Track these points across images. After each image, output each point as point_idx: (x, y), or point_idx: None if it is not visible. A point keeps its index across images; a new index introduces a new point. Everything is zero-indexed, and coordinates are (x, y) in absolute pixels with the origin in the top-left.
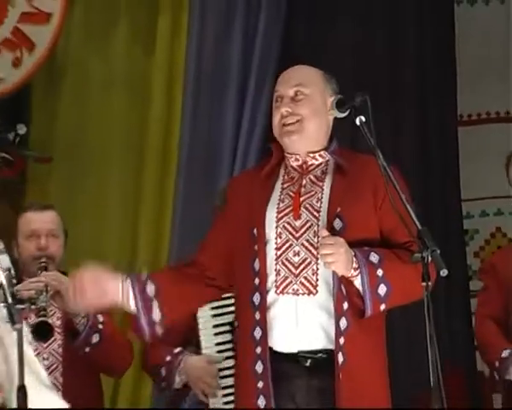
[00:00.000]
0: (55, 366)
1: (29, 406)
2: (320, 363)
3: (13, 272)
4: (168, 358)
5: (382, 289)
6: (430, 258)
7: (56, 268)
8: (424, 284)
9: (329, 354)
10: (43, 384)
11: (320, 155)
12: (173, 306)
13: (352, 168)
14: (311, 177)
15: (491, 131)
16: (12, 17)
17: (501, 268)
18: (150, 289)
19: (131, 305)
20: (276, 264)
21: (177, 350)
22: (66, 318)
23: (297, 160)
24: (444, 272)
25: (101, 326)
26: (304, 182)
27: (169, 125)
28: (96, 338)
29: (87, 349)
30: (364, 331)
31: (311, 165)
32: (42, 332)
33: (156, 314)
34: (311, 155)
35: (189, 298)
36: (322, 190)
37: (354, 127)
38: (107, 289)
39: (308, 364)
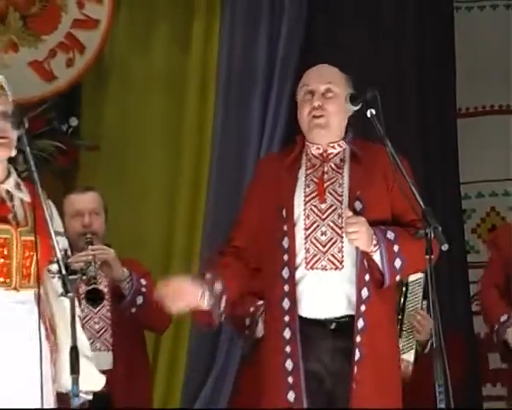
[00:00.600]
0: (104, 328)
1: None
2: (343, 327)
3: (69, 253)
4: (252, 309)
5: (398, 263)
6: (433, 234)
7: (100, 242)
8: (427, 257)
9: (351, 319)
10: (84, 355)
11: (338, 145)
12: (236, 298)
13: (365, 156)
14: (332, 164)
15: (487, 122)
16: (65, 23)
17: (502, 243)
18: (217, 287)
19: (206, 303)
20: (305, 243)
21: (260, 302)
22: (112, 284)
23: (318, 149)
24: (445, 247)
25: (144, 289)
26: (326, 169)
27: (203, 119)
28: (140, 300)
29: (133, 310)
30: (381, 300)
31: (331, 153)
32: (94, 298)
33: (222, 308)
34: (331, 144)
35: (246, 291)
36: (343, 176)
37: (366, 119)
38: (193, 294)
39: (333, 327)
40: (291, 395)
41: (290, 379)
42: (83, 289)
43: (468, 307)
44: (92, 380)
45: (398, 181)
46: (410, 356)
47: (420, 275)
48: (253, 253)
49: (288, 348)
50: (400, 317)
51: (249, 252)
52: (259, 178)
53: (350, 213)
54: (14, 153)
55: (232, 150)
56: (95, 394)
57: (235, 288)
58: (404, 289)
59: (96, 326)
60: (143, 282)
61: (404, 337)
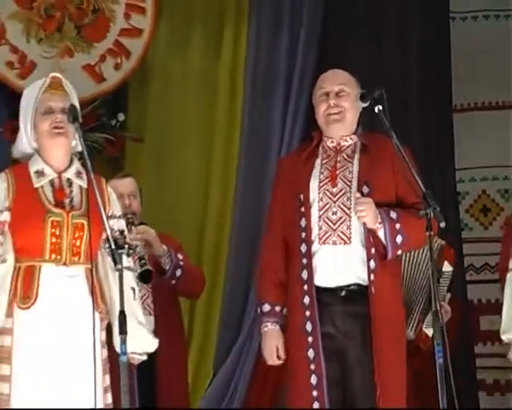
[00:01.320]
0: (146, 295)
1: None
2: (352, 294)
3: (126, 233)
4: None
5: (399, 239)
6: (432, 214)
7: (138, 220)
8: (427, 233)
9: (358, 287)
10: (138, 321)
11: (350, 138)
12: None
13: (372, 146)
14: (344, 155)
15: (478, 117)
16: (113, 32)
17: None
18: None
19: None
20: (318, 221)
21: None
22: (153, 260)
23: (332, 142)
24: (443, 224)
25: (181, 263)
26: (339, 158)
27: (232, 115)
28: (178, 272)
29: (173, 282)
30: (386, 271)
31: (343, 146)
32: (145, 278)
33: None
34: (344, 137)
35: None
36: (353, 164)
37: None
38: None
39: (343, 294)
40: (311, 353)
41: (310, 339)
42: (135, 267)
43: (463, 277)
44: (146, 342)
45: (401, 168)
46: (430, 332)
47: (450, 268)
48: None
49: (307, 313)
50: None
51: (282, 253)
52: (280, 176)
53: (359, 195)
54: (74, 144)
55: (258, 141)
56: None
57: None
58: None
59: (140, 294)
60: (180, 256)
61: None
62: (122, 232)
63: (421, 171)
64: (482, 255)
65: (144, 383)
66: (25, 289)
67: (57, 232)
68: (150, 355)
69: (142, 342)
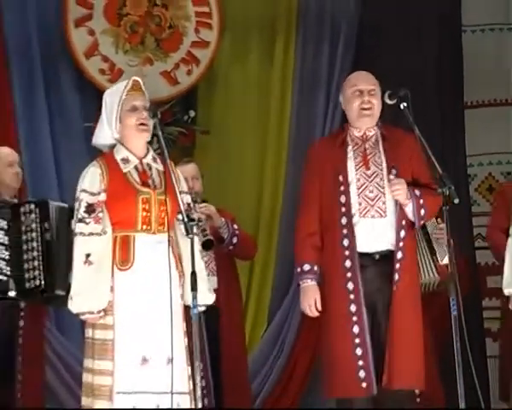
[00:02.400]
0: (210, 260)
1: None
2: (384, 257)
3: (192, 205)
4: None
5: (422, 212)
6: (448, 192)
7: (200, 198)
8: (444, 207)
9: (389, 252)
10: (202, 279)
11: (373, 129)
12: None
13: (391, 137)
14: (370, 143)
15: (486, 112)
16: (186, 44)
17: (508, 193)
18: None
19: None
20: (358, 198)
21: None
22: (213, 230)
23: (359, 132)
24: (456, 201)
25: (237, 232)
26: (367, 146)
27: (283, 115)
28: (235, 240)
29: (230, 248)
30: (410, 238)
31: (368, 135)
32: (208, 246)
33: None
34: (369, 128)
35: None
36: (379, 151)
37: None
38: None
39: (377, 258)
40: (353, 307)
41: (352, 296)
42: (200, 237)
43: (472, 244)
44: (206, 296)
45: (416, 155)
46: (446, 260)
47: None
48: (319, 219)
49: (349, 274)
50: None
51: (318, 223)
52: (315, 158)
53: (393, 177)
54: (149, 137)
55: (303, 136)
56: (208, 306)
57: None
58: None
59: (205, 258)
60: (235, 226)
61: (440, 248)
62: (189, 205)
63: (437, 156)
64: None
65: (210, 331)
66: (123, 255)
67: (147, 207)
68: (214, 308)
69: (203, 295)
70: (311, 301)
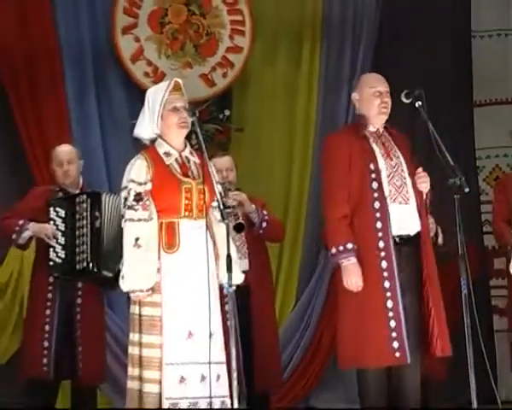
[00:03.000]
0: (242, 244)
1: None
2: (410, 240)
3: (223, 194)
4: None
5: (428, 201)
6: (459, 182)
7: (234, 187)
8: (456, 196)
9: (414, 234)
10: (235, 262)
11: (383, 126)
12: None
13: (394, 134)
14: (383, 138)
15: (492, 110)
16: (221, 49)
17: (508, 185)
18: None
19: None
20: (388, 185)
21: None
22: (245, 216)
23: (374, 128)
24: (467, 190)
25: (266, 217)
26: (383, 140)
27: (309, 111)
28: (264, 224)
29: (260, 231)
30: (426, 222)
31: (379, 131)
32: (239, 229)
33: None
34: (381, 125)
35: None
36: (393, 145)
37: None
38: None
39: (404, 240)
40: (387, 284)
41: (385, 273)
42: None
43: (481, 229)
44: (237, 276)
45: (436, 147)
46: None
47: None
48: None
49: (382, 254)
50: None
51: (348, 206)
52: (342, 146)
53: (420, 170)
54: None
55: (328, 129)
56: (239, 286)
57: None
58: None
59: (237, 243)
60: (265, 212)
61: None
62: (220, 194)
63: (449, 150)
64: None
65: (241, 309)
66: (169, 240)
67: (188, 196)
68: (246, 288)
69: (234, 275)
70: (357, 277)
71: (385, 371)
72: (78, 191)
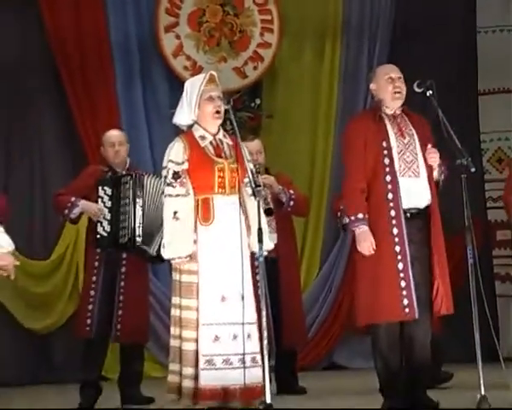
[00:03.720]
0: (271, 220)
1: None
2: (420, 211)
3: (254, 172)
4: None
5: (442, 176)
6: (466, 162)
7: (263, 169)
8: (463, 175)
9: (424, 208)
10: (264, 231)
11: (399, 109)
12: None
13: (412, 116)
14: (399, 119)
15: (494, 98)
16: (253, 45)
17: None
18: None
19: None
20: (398, 161)
21: None
22: (274, 196)
23: (391, 110)
24: (473, 169)
25: (293, 196)
26: (398, 121)
27: (331, 100)
28: (291, 203)
29: (288, 209)
30: (436, 196)
31: (396, 113)
32: (269, 212)
33: None
34: (398, 108)
35: None
36: (408, 124)
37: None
38: None
39: (414, 211)
40: (397, 248)
41: (396, 239)
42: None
43: (485, 204)
44: (268, 244)
45: (445, 132)
46: None
47: None
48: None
49: (394, 221)
50: None
51: (365, 180)
52: (360, 128)
53: (430, 146)
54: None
55: (346, 116)
56: (268, 256)
57: None
58: None
59: (267, 218)
60: (292, 191)
61: None
62: (252, 172)
63: (456, 134)
64: (497, 190)
65: (271, 278)
66: (204, 214)
67: (221, 174)
68: (274, 259)
69: (264, 243)
70: (368, 242)
71: (397, 330)
72: (124, 172)
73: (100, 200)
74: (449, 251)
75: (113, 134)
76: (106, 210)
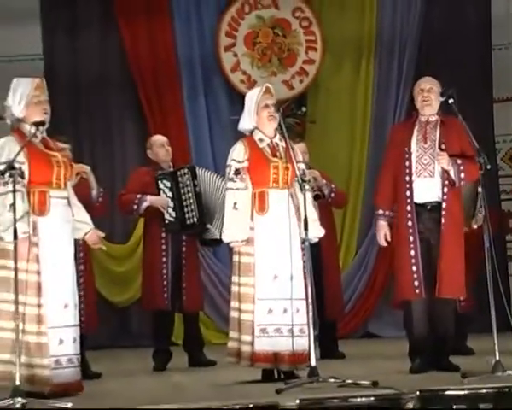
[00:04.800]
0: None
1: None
2: (434, 207)
3: (306, 171)
4: None
5: (462, 175)
6: (483, 160)
7: (308, 166)
8: (481, 172)
9: (437, 203)
10: (311, 218)
11: (433, 116)
12: None
13: (446, 122)
14: (430, 125)
15: (508, 105)
16: (299, 62)
17: None
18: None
19: None
20: (416, 163)
21: None
22: (317, 188)
23: (424, 118)
24: (489, 166)
25: (334, 189)
26: (428, 127)
27: (366, 107)
28: (332, 195)
29: (329, 200)
30: (453, 193)
31: (429, 120)
32: (317, 198)
33: None
34: (430, 115)
35: None
36: (436, 131)
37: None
38: None
39: (429, 207)
40: (411, 238)
41: (410, 230)
42: (311, 193)
43: (499, 196)
44: (317, 231)
45: (462, 136)
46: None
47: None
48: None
49: (409, 215)
50: None
51: (392, 181)
52: (393, 136)
53: (438, 151)
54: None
55: (380, 121)
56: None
57: None
58: None
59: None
60: (333, 186)
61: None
62: (303, 170)
63: (474, 136)
64: (510, 184)
65: (315, 259)
66: (260, 204)
67: (276, 171)
68: (317, 244)
69: (317, 231)
70: (381, 235)
71: (424, 306)
72: (170, 169)
73: (161, 192)
74: (469, 240)
75: (161, 137)
76: (168, 200)
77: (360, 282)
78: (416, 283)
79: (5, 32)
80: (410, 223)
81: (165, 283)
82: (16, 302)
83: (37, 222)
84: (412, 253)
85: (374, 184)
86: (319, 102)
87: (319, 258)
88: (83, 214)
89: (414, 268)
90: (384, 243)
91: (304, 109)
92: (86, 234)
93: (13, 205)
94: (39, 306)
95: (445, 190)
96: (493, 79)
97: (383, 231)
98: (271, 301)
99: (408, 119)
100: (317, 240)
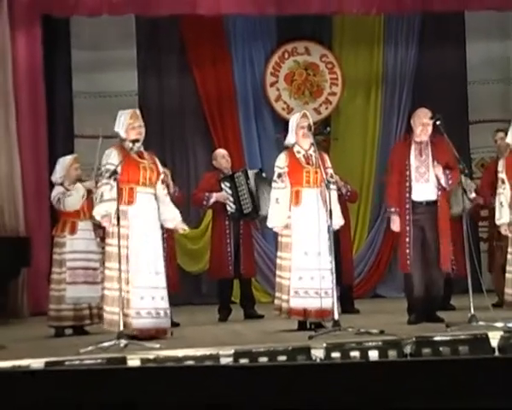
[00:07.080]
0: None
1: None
2: (429, 204)
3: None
4: None
5: (450, 181)
6: (462, 167)
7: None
8: (461, 174)
9: (432, 201)
10: (338, 212)
11: (426, 137)
12: None
13: (436, 141)
14: (423, 145)
15: (479, 126)
16: (325, 94)
17: None
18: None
19: None
20: (415, 172)
21: None
22: (337, 187)
23: (419, 139)
24: (467, 171)
25: (349, 188)
26: (422, 146)
27: (375, 131)
28: (348, 193)
29: (346, 197)
30: (443, 195)
31: (423, 141)
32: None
33: None
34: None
35: None
36: (428, 148)
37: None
38: None
39: (424, 203)
40: (407, 228)
41: (407, 222)
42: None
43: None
44: (338, 219)
45: (447, 150)
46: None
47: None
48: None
49: (408, 212)
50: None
51: (398, 184)
52: (396, 150)
53: (436, 163)
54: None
55: (385, 140)
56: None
57: None
58: None
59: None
60: (348, 186)
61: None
62: (331, 175)
63: (456, 149)
64: None
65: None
66: (295, 199)
67: (308, 175)
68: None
69: (338, 220)
70: (395, 225)
71: (421, 274)
72: (229, 173)
73: (224, 190)
74: (455, 228)
75: (223, 151)
76: (230, 196)
77: (370, 258)
78: (409, 261)
79: (112, 75)
80: (408, 217)
81: (229, 257)
82: (119, 270)
83: (128, 210)
84: (407, 239)
85: (380, 186)
86: (340, 124)
87: (337, 240)
88: (174, 211)
89: (407, 251)
90: (398, 230)
91: (328, 129)
92: (175, 225)
93: (117, 195)
94: (128, 271)
95: (439, 192)
96: (469, 107)
97: (397, 222)
98: (302, 270)
99: (405, 139)
100: (338, 227)
